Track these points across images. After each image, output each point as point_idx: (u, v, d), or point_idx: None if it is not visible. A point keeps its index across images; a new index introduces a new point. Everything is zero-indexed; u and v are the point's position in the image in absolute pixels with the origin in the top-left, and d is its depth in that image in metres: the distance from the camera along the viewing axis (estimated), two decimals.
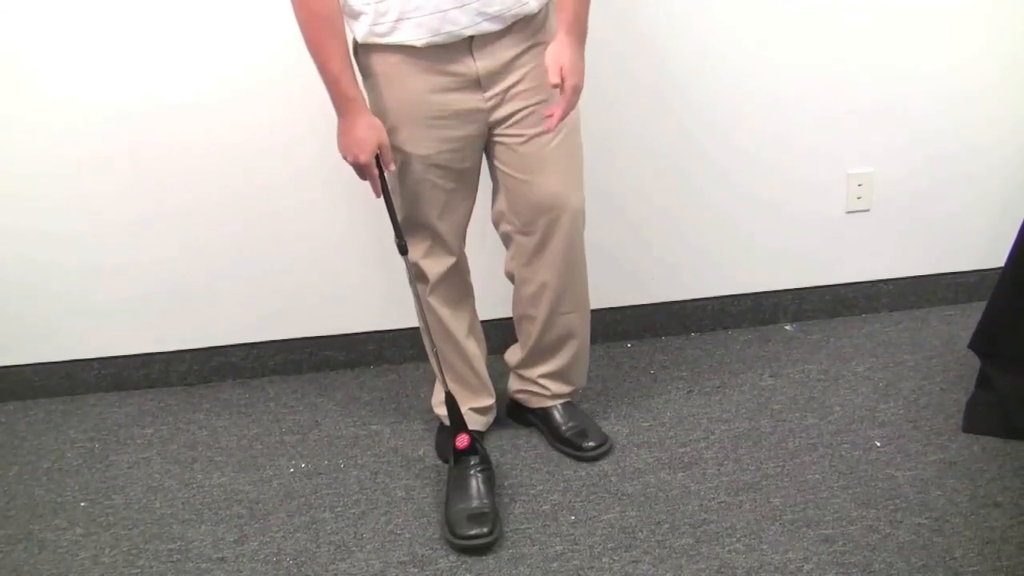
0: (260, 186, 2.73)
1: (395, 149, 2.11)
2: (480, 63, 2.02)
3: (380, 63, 2.04)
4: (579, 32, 2.03)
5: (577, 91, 2.04)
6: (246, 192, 2.74)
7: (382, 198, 2.13)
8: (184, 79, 2.60)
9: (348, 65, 2.02)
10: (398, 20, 1.95)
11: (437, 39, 1.97)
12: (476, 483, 2.26)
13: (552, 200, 2.19)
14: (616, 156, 2.77)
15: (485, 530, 2.16)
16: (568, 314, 2.37)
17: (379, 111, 2.10)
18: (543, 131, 2.09)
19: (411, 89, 2.04)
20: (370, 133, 2.04)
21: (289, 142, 2.67)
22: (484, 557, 2.14)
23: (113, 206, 2.72)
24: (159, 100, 2.61)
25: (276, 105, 2.63)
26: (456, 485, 2.27)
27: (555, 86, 2.01)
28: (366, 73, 2.09)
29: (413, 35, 1.96)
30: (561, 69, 2.00)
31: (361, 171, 2.10)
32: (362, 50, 2.07)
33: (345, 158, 2.08)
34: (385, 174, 2.14)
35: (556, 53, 2.01)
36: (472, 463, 2.28)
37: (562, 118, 2.04)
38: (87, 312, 2.86)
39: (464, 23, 1.96)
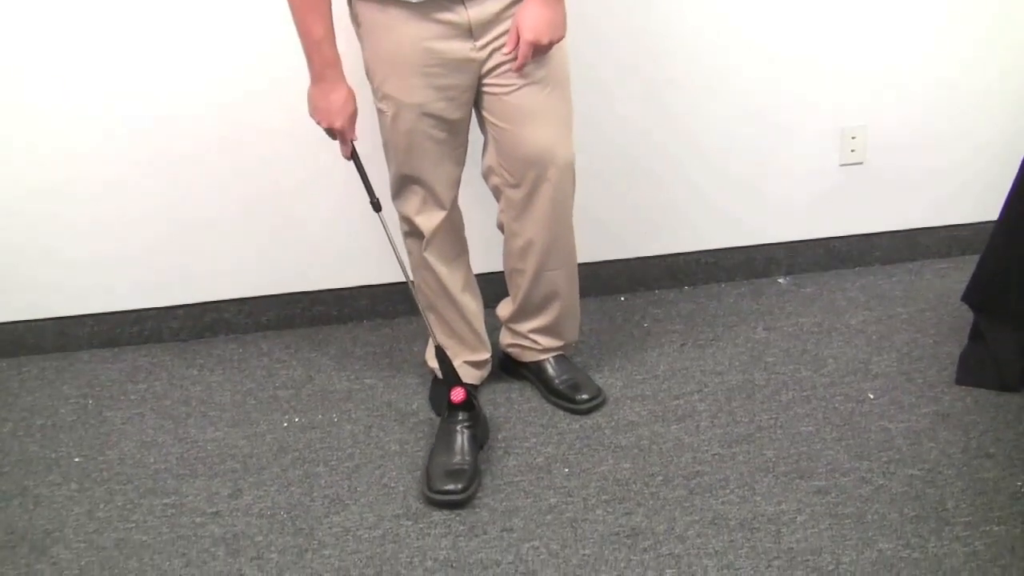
0: (252, 142, 2.71)
1: (387, 98, 2.11)
2: (472, 12, 2.00)
3: (372, 12, 2.03)
4: None
5: (538, 45, 2.03)
6: (238, 149, 2.72)
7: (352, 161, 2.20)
8: (182, 44, 2.59)
9: (332, 30, 2.04)
10: None
11: None
12: (461, 440, 2.26)
13: (540, 152, 2.17)
14: (609, 110, 2.74)
15: (459, 487, 2.17)
16: (554, 271, 2.37)
17: (371, 60, 2.10)
18: (513, 64, 2.07)
19: (403, 38, 2.02)
20: (349, 100, 2.11)
21: (282, 99, 2.63)
22: (478, 510, 2.15)
23: (105, 162, 2.71)
24: (155, 60, 2.60)
25: (269, 63, 2.61)
26: (441, 439, 2.28)
27: (507, 53, 2.04)
28: (358, 22, 2.09)
29: None
30: (517, 28, 2.01)
31: (332, 133, 2.13)
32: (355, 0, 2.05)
33: (319, 123, 2.13)
34: (380, 126, 2.19)
35: (518, 15, 2.02)
36: (460, 418, 2.29)
37: (521, 67, 2.05)
38: (79, 268, 2.85)
39: None
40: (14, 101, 2.62)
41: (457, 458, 2.23)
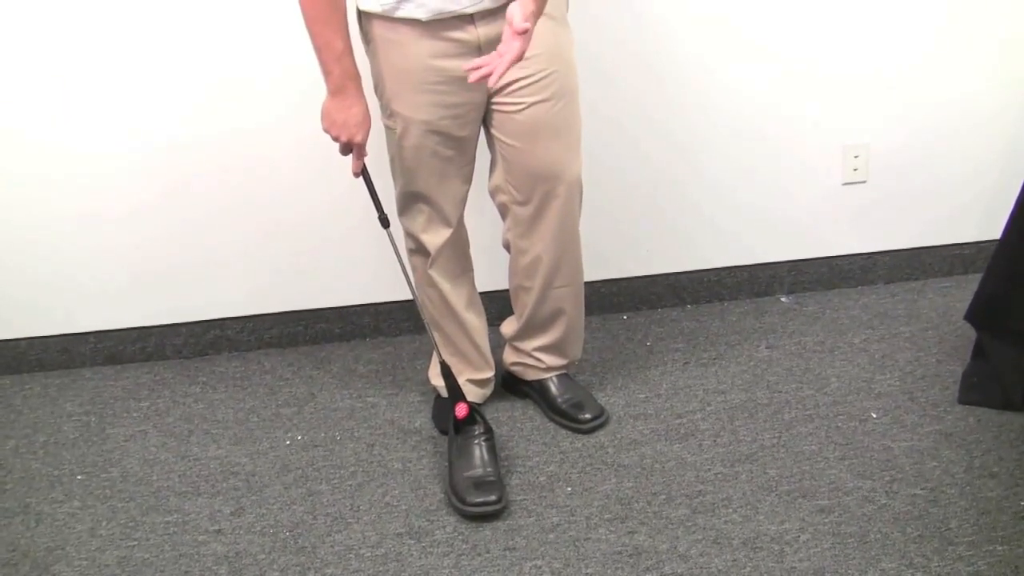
0: (255, 160, 2.72)
1: (395, 115, 2.12)
2: (481, 30, 2.02)
3: (382, 29, 2.04)
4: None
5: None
6: (240, 166, 2.73)
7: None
8: (175, 61, 2.60)
9: (350, 43, 2.03)
10: (401, 1, 1.96)
11: (440, 17, 1.97)
12: (480, 451, 2.26)
13: (550, 169, 2.18)
14: (613, 128, 2.75)
15: (493, 498, 2.17)
16: (562, 288, 2.37)
17: (380, 77, 2.11)
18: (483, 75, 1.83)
19: (412, 55, 2.03)
20: (368, 114, 2.09)
21: (283, 116, 2.65)
22: (481, 528, 2.15)
23: (108, 180, 2.72)
24: (154, 77, 2.61)
25: (269, 78, 2.62)
26: (460, 454, 2.27)
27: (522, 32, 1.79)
28: (367, 39, 2.09)
29: (417, 13, 1.97)
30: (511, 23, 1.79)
31: (346, 148, 2.12)
32: (364, 17, 2.06)
33: (337, 137, 2.09)
34: (387, 143, 2.20)
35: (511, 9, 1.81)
36: (476, 432, 2.29)
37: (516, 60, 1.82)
38: (83, 286, 2.85)
39: (466, 3, 1.96)
40: (26, 125, 2.64)
41: (481, 470, 2.23)
